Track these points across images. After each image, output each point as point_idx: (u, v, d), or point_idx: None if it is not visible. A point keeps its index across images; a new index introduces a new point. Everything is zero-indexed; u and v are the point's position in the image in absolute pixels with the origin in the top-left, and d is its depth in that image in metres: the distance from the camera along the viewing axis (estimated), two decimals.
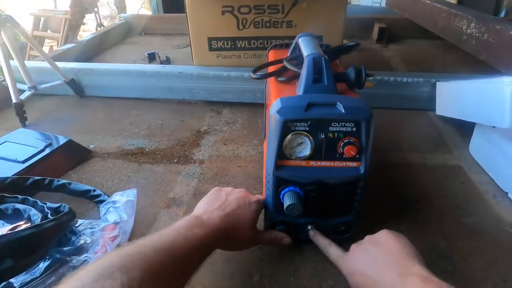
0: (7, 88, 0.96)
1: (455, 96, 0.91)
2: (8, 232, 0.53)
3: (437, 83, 0.98)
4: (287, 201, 0.50)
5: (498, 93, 0.67)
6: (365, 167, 0.49)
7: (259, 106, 1.05)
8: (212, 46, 1.09)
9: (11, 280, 0.50)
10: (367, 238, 0.49)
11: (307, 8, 1.03)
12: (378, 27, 1.73)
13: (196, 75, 1.05)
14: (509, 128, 0.66)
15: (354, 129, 0.47)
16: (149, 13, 2.69)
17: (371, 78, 0.57)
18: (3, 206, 0.60)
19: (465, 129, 0.89)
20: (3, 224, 0.59)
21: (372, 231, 0.55)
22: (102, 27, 2.16)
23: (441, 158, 0.84)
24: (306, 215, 0.54)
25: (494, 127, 0.74)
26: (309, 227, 0.56)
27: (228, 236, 0.49)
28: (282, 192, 0.51)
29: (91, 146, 0.87)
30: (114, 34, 1.82)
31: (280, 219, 0.55)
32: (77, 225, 0.60)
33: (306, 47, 0.57)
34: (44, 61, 1.09)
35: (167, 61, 1.46)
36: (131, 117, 1.03)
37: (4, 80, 0.99)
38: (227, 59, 1.11)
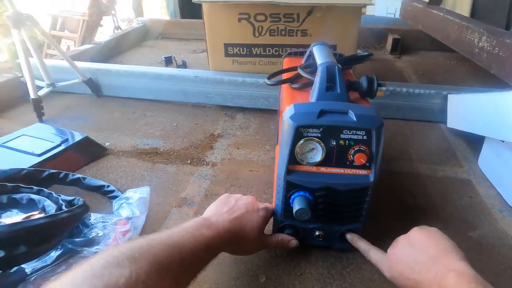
0: (26, 84, 0.99)
1: (465, 109, 0.91)
2: (23, 220, 0.54)
3: (449, 95, 0.99)
4: (296, 206, 0.51)
5: (506, 107, 0.67)
6: (375, 175, 0.50)
7: (272, 112, 1.06)
8: (228, 52, 1.11)
9: (23, 265, 0.52)
10: (401, 239, 0.49)
11: (321, 17, 1.05)
12: (392, 38, 1.73)
13: (211, 79, 1.08)
14: None
15: (365, 137, 0.48)
16: (167, 18, 2.73)
17: (384, 88, 0.58)
18: (18, 196, 0.61)
19: (475, 142, 0.89)
20: (17, 213, 0.60)
21: (381, 236, 0.55)
22: (120, 30, 2.21)
23: (451, 170, 0.84)
24: (314, 221, 0.55)
25: (503, 141, 0.75)
26: (348, 236, 0.56)
27: (235, 239, 0.50)
28: (292, 197, 0.52)
29: (106, 144, 0.89)
30: (131, 37, 1.86)
31: (289, 223, 0.56)
32: (90, 218, 0.62)
33: (320, 55, 0.59)
34: (62, 59, 1.12)
35: (184, 65, 1.48)
36: (146, 118, 1.05)
37: (22, 76, 1.03)
38: (243, 65, 1.13)
